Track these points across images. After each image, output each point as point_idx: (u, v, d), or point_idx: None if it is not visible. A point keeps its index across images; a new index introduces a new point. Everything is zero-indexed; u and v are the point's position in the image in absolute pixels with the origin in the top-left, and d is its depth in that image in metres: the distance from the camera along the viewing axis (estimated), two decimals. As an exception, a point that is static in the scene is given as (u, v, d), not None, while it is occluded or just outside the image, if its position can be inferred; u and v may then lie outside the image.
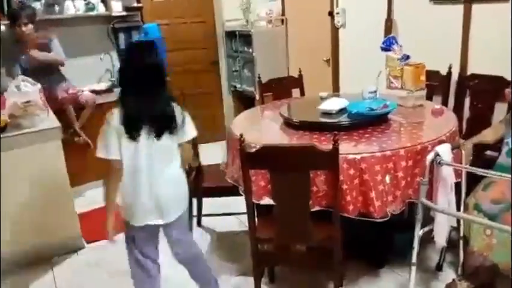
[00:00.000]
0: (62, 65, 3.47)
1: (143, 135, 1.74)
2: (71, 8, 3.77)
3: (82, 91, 3.57)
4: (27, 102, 2.66)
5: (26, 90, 2.70)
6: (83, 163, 3.33)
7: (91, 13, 3.86)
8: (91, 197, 3.40)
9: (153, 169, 1.78)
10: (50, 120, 2.73)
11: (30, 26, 3.26)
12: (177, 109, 1.82)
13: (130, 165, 1.77)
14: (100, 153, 1.75)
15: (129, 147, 1.74)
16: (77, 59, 3.80)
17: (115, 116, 1.73)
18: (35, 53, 3.26)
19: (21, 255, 2.64)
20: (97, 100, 3.63)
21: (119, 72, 1.88)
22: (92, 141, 3.54)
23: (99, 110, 3.65)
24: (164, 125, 1.77)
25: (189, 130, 1.87)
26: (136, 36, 4.14)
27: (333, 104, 2.49)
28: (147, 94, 1.76)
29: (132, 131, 1.72)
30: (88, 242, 2.89)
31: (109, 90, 3.81)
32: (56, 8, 3.76)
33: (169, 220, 1.86)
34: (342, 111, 2.43)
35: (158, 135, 1.75)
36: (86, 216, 3.14)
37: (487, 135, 2.22)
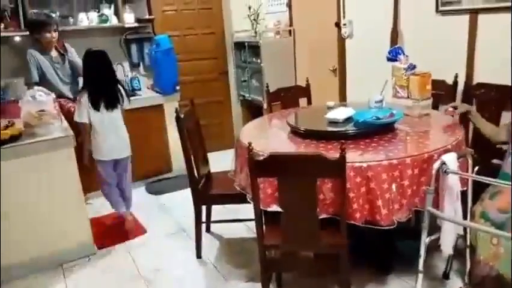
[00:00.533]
0: None
1: (103, 108, 2.92)
2: (84, 19, 3.87)
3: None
4: (42, 111, 2.74)
5: (40, 99, 2.78)
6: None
7: (104, 25, 3.96)
8: (101, 203, 3.46)
9: (112, 127, 2.98)
10: (63, 129, 2.80)
11: (57, 33, 3.46)
12: (123, 90, 3.05)
13: (99, 125, 2.94)
14: (77, 119, 2.92)
15: (96, 115, 2.92)
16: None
17: (84, 97, 2.88)
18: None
19: (33, 261, 2.70)
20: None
21: (83, 71, 3.04)
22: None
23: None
24: (114, 102, 2.97)
25: (127, 103, 3.11)
26: (147, 47, 4.24)
27: (339, 113, 2.53)
28: (102, 84, 2.94)
29: (96, 106, 2.91)
30: (99, 248, 2.95)
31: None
32: (70, 19, 3.86)
33: (123, 156, 3.11)
34: (348, 120, 2.46)
35: (111, 108, 2.96)
36: (97, 222, 3.21)
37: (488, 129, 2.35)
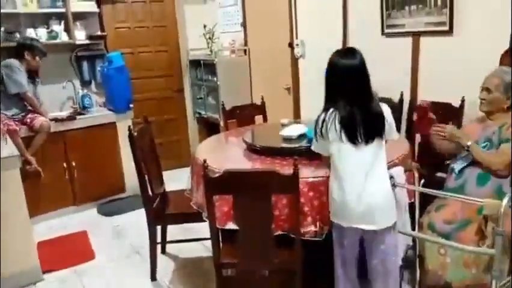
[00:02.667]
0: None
1: None
2: (33, 35, 3.74)
3: (36, 117, 3.48)
4: (-15, 130, 2.61)
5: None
6: (35, 192, 3.30)
7: (54, 41, 3.84)
8: (48, 226, 3.29)
9: None
10: (8, 149, 2.67)
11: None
12: None
13: None
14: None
15: None
16: (39, 87, 3.75)
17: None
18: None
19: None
20: (57, 128, 3.59)
21: None
22: (44, 170, 3.49)
23: (58, 137, 3.61)
24: None
25: None
26: (99, 64, 4.15)
27: (293, 130, 2.58)
28: None
29: None
30: (44, 272, 2.79)
31: (71, 118, 3.75)
32: (17, 35, 3.71)
33: None
34: (302, 136, 2.52)
35: None
36: (43, 246, 3.04)
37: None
